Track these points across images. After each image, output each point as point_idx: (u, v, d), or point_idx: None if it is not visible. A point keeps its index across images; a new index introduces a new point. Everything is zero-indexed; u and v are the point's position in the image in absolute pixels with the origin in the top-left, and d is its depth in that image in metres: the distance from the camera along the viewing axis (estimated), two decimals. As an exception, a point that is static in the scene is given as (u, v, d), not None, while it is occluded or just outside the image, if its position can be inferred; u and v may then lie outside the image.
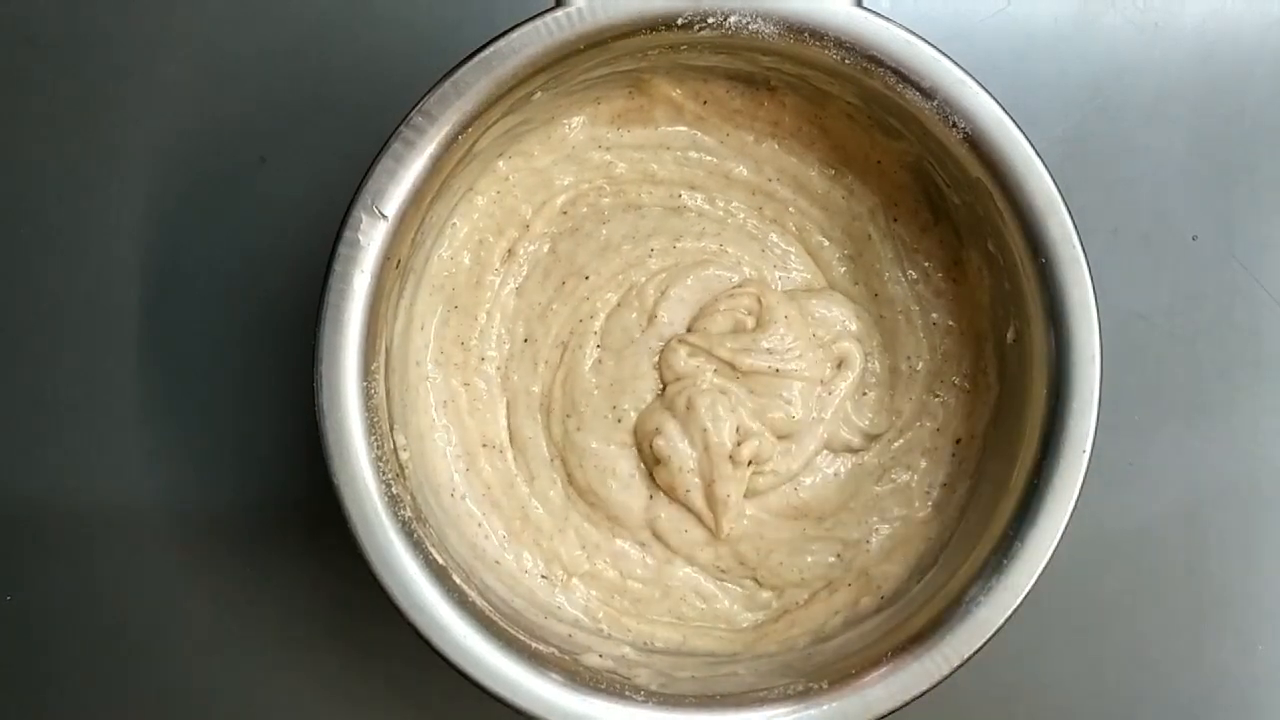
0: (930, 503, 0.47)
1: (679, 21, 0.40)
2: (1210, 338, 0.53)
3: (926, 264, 0.48)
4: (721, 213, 0.49)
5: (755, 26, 0.41)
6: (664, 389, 0.47)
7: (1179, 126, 0.53)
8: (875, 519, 0.47)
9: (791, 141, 0.48)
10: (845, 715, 0.40)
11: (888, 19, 0.40)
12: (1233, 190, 0.53)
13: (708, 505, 0.47)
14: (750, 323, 0.47)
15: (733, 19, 0.40)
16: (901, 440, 0.48)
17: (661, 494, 0.47)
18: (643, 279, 0.48)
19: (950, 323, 0.48)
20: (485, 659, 0.40)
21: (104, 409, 0.52)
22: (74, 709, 0.53)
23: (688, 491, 0.47)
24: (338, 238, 0.40)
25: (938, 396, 0.48)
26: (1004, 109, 0.40)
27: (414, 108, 0.40)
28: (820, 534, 0.48)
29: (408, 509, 0.41)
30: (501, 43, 0.40)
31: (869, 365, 0.48)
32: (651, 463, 0.47)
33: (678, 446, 0.46)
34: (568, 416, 0.48)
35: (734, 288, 0.48)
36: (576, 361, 0.48)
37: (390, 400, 0.43)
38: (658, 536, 0.47)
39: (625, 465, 0.47)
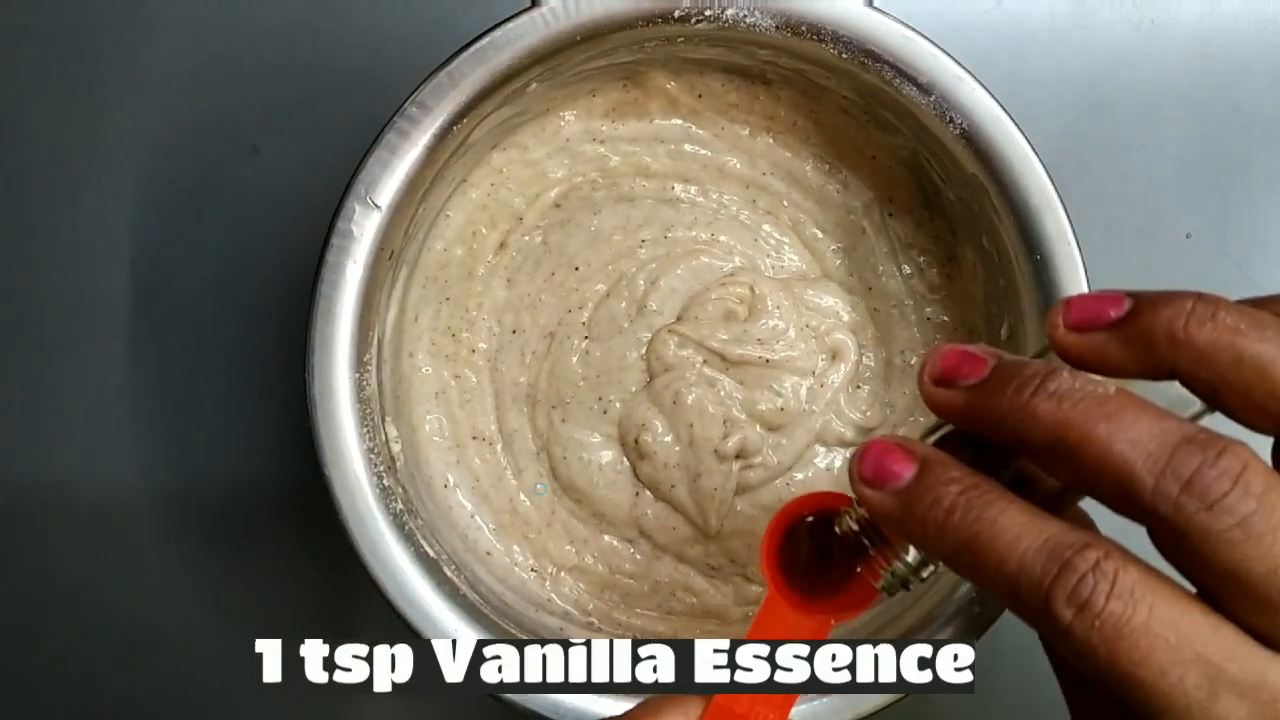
0: (923, 498, 0.47)
1: (676, 14, 0.40)
2: (1204, 336, 0.53)
3: (921, 259, 0.48)
4: (715, 205, 0.49)
5: (753, 20, 0.40)
6: (651, 381, 0.47)
7: (1174, 124, 0.53)
8: (868, 514, 0.47)
9: (786, 136, 0.48)
10: (835, 711, 0.40)
11: (886, 14, 0.40)
12: (1227, 188, 0.53)
13: (695, 501, 0.47)
14: (742, 312, 0.47)
15: (730, 11, 0.40)
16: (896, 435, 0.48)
17: (646, 491, 0.47)
18: (633, 269, 0.48)
19: (944, 318, 0.48)
20: (477, 652, 0.40)
21: (93, 400, 0.52)
22: (64, 699, 0.53)
23: (673, 487, 0.47)
24: (330, 228, 0.40)
25: (931, 392, 0.48)
26: (1001, 105, 0.40)
27: (408, 98, 0.40)
28: (812, 529, 0.48)
29: (399, 501, 0.41)
30: (497, 33, 0.40)
31: (863, 358, 0.48)
32: (636, 458, 0.47)
33: (663, 441, 0.46)
34: (553, 408, 0.47)
35: (726, 276, 0.48)
36: (563, 352, 0.47)
37: (382, 392, 0.43)
38: (645, 534, 0.47)
39: (610, 459, 0.47)
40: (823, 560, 0.33)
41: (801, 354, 0.47)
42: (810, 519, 0.33)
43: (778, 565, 0.33)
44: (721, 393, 0.46)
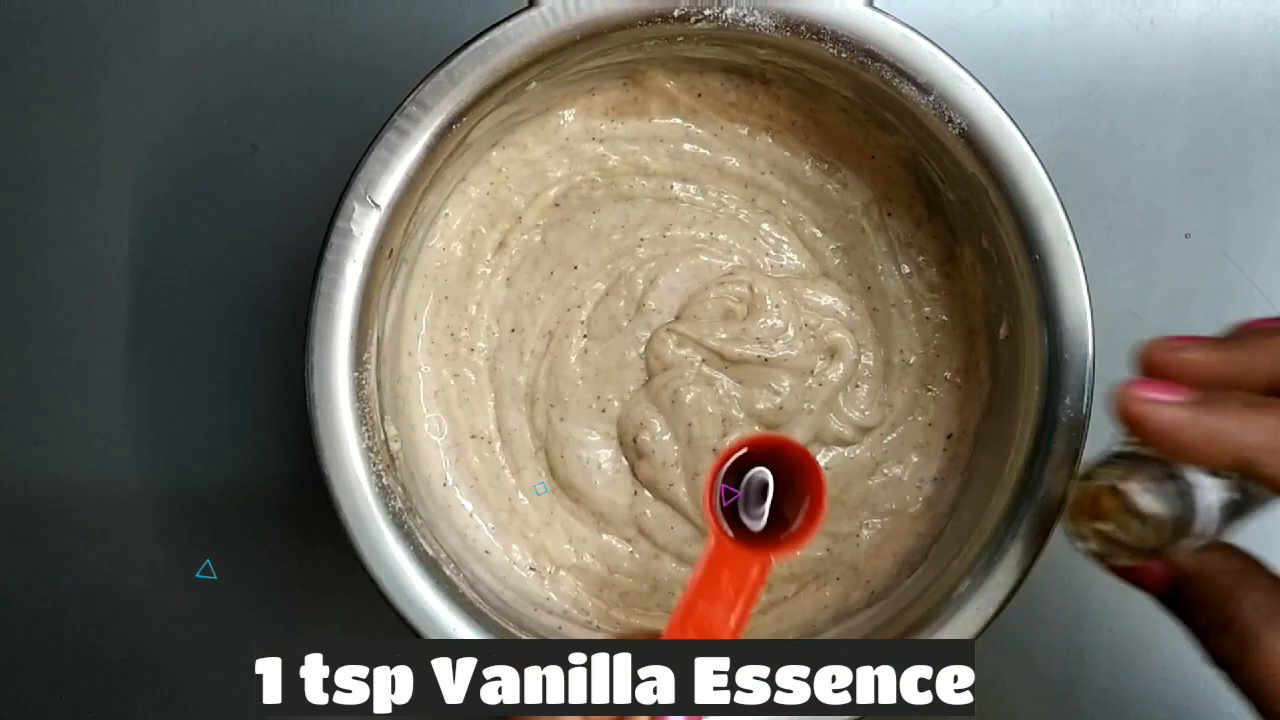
0: (921, 498, 0.47)
1: (676, 13, 0.40)
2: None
3: (920, 258, 0.48)
4: (714, 204, 0.48)
5: (752, 19, 0.40)
6: (650, 379, 0.47)
7: (1174, 124, 0.53)
8: (866, 513, 0.47)
9: (786, 135, 0.48)
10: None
11: (885, 14, 0.40)
12: (1227, 188, 0.53)
13: (694, 500, 0.47)
14: (741, 311, 0.47)
15: (730, 11, 0.40)
16: (894, 434, 0.48)
17: (645, 490, 0.47)
18: (632, 268, 0.48)
19: (943, 317, 0.48)
20: (475, 652, 0.40)
21: (92, 398, 0.52)
22: (63, 697, 0.53)
23: (670, 486, 0.47)
24: (330, 227, 0.40)
25: (930, 391, 0.48)
26: (1001, 106, 0.40)
27: (408, 97, 0.40)
28: (810, 528, 0.48)
29: (398, 500, 0.41)
30: (497, 33, 0.40)
31: (862, 358, 0.48)
32: (634, 457, 0.47)
33: (662, 440, 0.46)
34: (551, 407, 0.47)
35: (725, 275, 0.47)
36: (562, 351, 0.47)
37: (381, 391, 0.43)
38: (644, 533, 0.47)
39: (608, 458, 0.47)
40: (759, 503, 0.36)
41: (800, 353, 0.47)
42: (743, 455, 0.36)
43: (718, 509, 0.36)
44: (720, 391, 0.46)
